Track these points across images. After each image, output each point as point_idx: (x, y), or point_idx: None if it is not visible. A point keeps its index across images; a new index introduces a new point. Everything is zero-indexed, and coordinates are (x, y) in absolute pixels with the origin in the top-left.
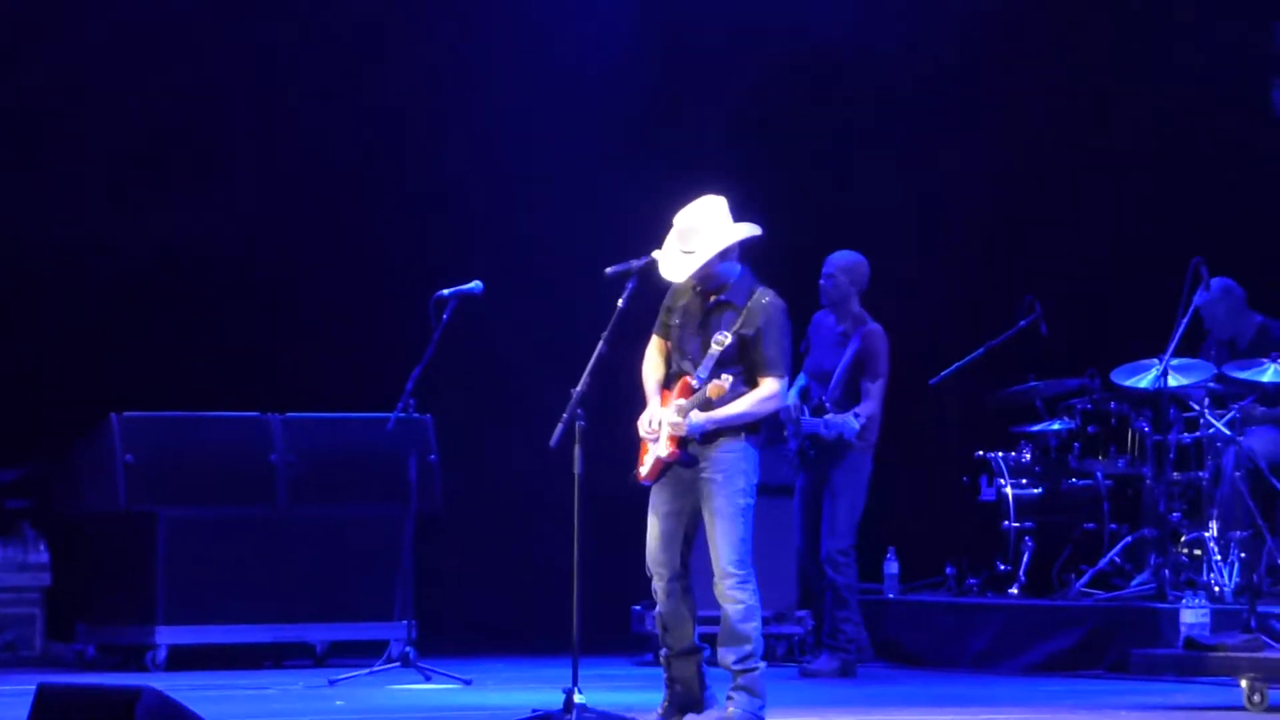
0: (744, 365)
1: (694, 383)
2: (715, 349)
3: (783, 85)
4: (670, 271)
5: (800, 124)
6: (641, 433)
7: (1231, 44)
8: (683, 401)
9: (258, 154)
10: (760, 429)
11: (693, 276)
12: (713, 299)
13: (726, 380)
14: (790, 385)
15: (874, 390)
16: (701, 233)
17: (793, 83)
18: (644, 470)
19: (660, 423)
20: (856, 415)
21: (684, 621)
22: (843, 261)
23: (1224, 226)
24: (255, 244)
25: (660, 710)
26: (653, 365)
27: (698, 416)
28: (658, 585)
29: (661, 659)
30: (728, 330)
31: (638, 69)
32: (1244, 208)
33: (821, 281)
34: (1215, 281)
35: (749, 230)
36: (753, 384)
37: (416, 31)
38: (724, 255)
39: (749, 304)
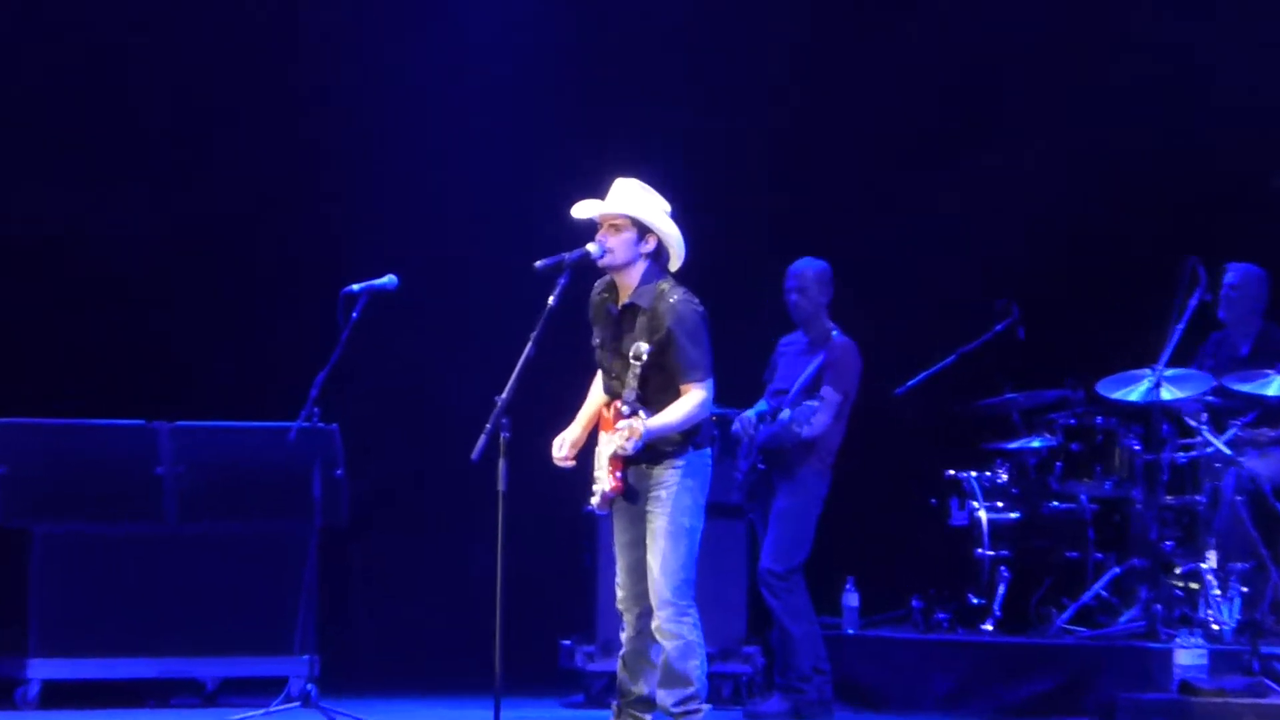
0: (666, 373)
1: (623, 409)
2: (635, 365)
3: (719, 78)
4: (580, 209)
5: (744, 118)
6: (555, 458)
7: (1246, 46)
8: (618, 428)
9: (156, 145)
10: (707, 442)
11: (600, 220)
12: (620, 304)
13: (639, 420)
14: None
15: (831, 399)
16: (623, 193)
17: (733, 74)
18: (595, 501)
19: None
20: (814, 405)
21: (645, 666)
22: (810, 271)
23: (1223, 224)
24: (140, 232)
25: None
26: (593, 392)
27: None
28: (626, 621)
29: (613, 707)
30: (641, 340)
31: (562, 59)
32: (1242, 205)
33: (790, 296)
34: (1247, 267)
35: (664, 206)
36: (676, 394)
37: (332, 21)
38: (635, 223)
39: (654, 305)
